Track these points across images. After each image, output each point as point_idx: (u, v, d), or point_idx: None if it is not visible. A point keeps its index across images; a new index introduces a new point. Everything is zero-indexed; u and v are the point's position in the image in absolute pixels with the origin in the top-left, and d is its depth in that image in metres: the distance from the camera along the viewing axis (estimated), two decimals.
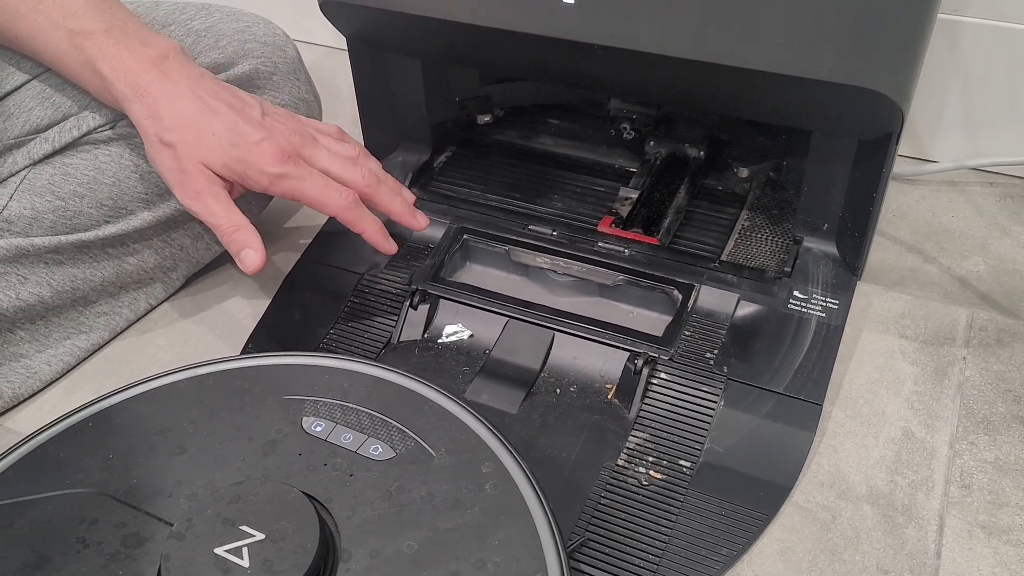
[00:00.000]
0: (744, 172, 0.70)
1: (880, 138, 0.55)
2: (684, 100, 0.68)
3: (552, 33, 0.55)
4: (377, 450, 0.45)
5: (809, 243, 0.63)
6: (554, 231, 0.66)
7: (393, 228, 0.68)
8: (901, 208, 0.72)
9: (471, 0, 0.56)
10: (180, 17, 0.64)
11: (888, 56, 0.48)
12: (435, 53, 0.68)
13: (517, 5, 0.54)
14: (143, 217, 0.62)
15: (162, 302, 0.67)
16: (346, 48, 0.67)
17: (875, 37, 0.47)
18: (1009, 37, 0.67)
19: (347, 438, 0.46)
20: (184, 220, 0.64)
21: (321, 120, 0.71)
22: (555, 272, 0.64)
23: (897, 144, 0.54)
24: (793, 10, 0.48)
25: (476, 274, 0.67)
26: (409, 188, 0.72)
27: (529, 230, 0.66)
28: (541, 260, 0.65)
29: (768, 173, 0.70)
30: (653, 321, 0.62)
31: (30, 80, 0.60)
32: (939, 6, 0.48)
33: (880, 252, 0.68)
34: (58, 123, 0.60)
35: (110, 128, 0.60)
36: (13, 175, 0.59)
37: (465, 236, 0.67)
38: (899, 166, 0.75)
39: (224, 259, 0.69)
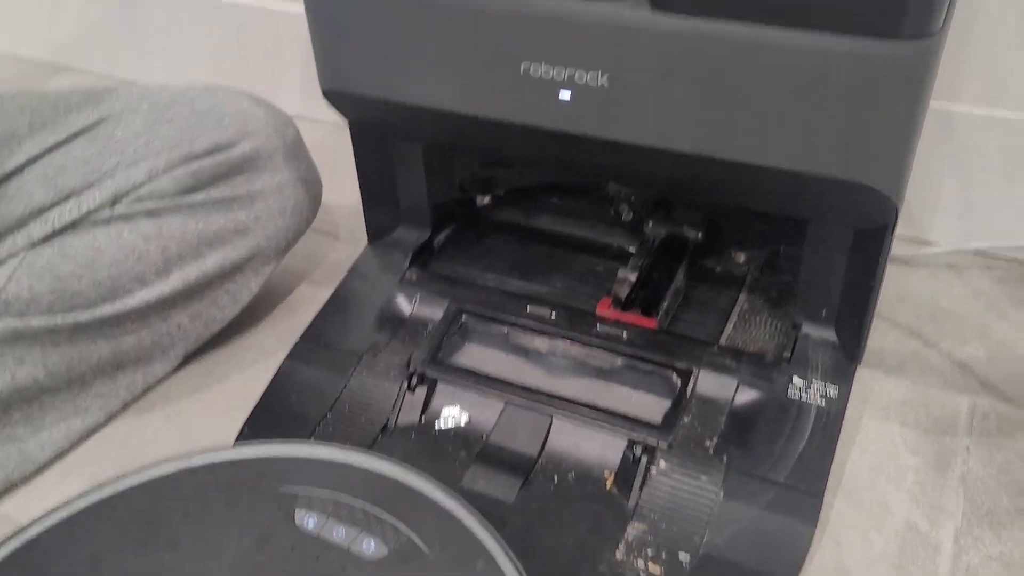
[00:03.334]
0: (741, 258, 0.70)
1: (876, 228, 0.55)
2: (680, 189, 0.69)
3: (549, 126, 0.56)
4: (370, 546, 0.45)
5: (808, 328, 0.63)
6: (553, 313, 0.66)
7: (391, 310, 0.68)
8: (901, 290, 0.72)
9: (471, 93, 0.57)
10: (184, 98, 0.65)
11: (880, 152, 0.49)
12: (436, 139, 0.69)
13: (515, 99, 0.55)
14: (141, 296, 0.62)
15: (159, 381, 0.66)
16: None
17: (867, 133, 0.48)
18: (1003, 126, 0.68)
19: (340, 533, 0.45)
20: (182, 299, 0.64)
21: (321, 199, 0.72)
22: (554, 355, 0.64)
23: (893, 235, 0.55)
24: (786, 106, 0.49)
25: (475, 355, 0.67)
26: (409, 268, 0.72)
27: (528, 311, 0.66)
28: (540, 343, 0.65)
29: (766, 258, 0.71)
30: (652, 406, 0.61)
31: (31, 162, 0.61)
32: (929, 99, 0.49)
33: (880, 336, 0.68)
34: (59, 204, 0.61)
35: (110, 207, 0.61)
36: (12, 256, 0.60)
37: (464, 317, 0.67)
38: (899, 248, 0.76)
39: (222, 337, 0.69)
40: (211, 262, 0.63)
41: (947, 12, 0.46)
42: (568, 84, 0.54)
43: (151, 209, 0.60)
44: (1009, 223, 0.73)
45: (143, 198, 0.60)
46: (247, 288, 0.66)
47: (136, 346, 0.64)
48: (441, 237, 0.77)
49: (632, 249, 0.73)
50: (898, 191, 0.51)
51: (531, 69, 0.54)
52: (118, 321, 0.62)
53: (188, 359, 0.68)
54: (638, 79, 0.52)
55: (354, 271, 0.73)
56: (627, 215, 0.75)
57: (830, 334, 0.62)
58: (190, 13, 1.00)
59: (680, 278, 0.69)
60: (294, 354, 0.67)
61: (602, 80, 0.53)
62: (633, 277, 0.68)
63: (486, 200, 0.78)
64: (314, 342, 0.67)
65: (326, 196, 0.74)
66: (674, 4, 0.48)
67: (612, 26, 0.50)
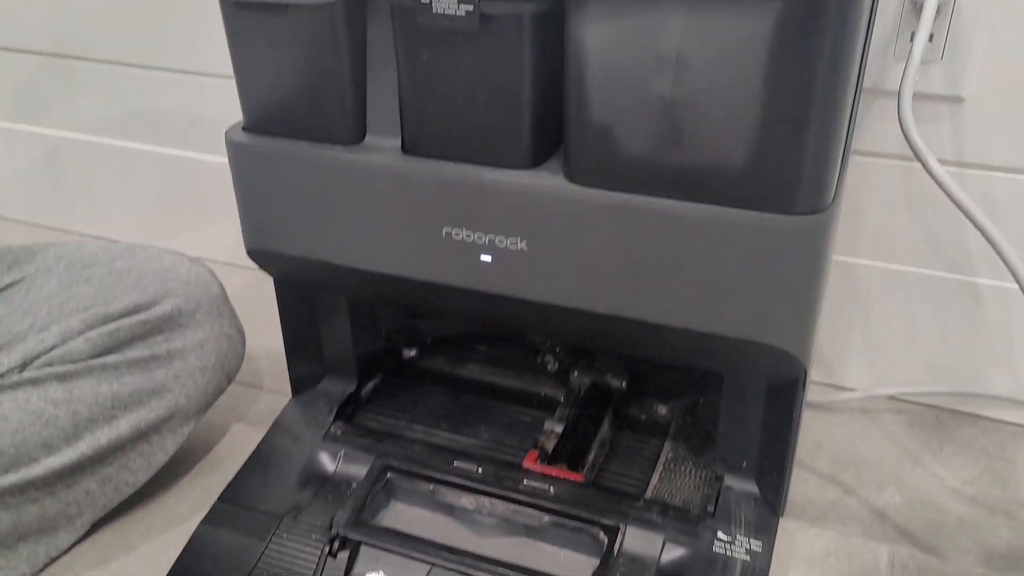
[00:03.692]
0: (663, 410, 0.71)
1: (788, 383, 0.57)
2: (598, 344, 0.71)
3: (471, 287, 0.57)
4: None
5: (730, 481, 0.63)
6: (479, 468, 0.65)
7: (314, 467, 0.67)
8: (819, 436, 0.74)
9: (394, 254, 0.58)
10: (104, 258, 0.65)
11: (785, 314, 0.51)
12: (361, 295, 0.70)
13: (438, 261, 0.57)
14: (47, 464, 0.59)
15: (64, 552, 0.63)
16: None
17: (772, 298, 0.51)
18: (898, 277, 0.73)
19: None
20: (91, 464, 0.62)
21: (244, 353, 0.71)
22: (481, 512, 0.63)
23: (805, 390, 0.56)
24: (695, 272, 0.51)
25: (400, 515, 0.65)
26: (333, 422, 0.71)
27: (455, 467, 0.66)
28: (466, 500, 0.64)
29: (688, 407, 0.72)
30: (580, 564, 0.60)
31: None
32: (828, 265, 0.52)
33: (801, 484, 0.69)
34: None
35: (18, 372, 0.59)
36: None
37: (389, 474, 0.66)
38: (814, 394, 0.78)
39: (133, 500, 0.66)
40: (125, 425, 0.61)
41: (837, 188, 0.50)
42: (489, 248, 0.55)
43: (62, 373, 0.59)
44: (916, 369, 0.76)
45: (54, 362, 0.59)
46: (163, 450, 0.64)
47: (39, 516, 0.60)
48: (368, 387, 0.76)
49: (559, 397, 0.73)
50: (804, 350, 0.53)
51: (453, 233, 0.56)
52: (21, 490, 0.59)
53: (96, 526, 0.65)
54: (555, 245, 0.54)
55: (277, 426, 0.72)
56: (552, 365, 0.76)
57: (752, 487, 0.63)
58: (117, 161, 1.00)
59: (606, 428, 0.70)
60: (210, 517, 0.64)
61: (521, 245, 0.54)
62: (559, 429, 0.69)
63: (412, 353, 0.78)
64: (232, 503, 0.65)
65: (252, 345, 0.74)
66: (588, 179, 0.51)
67: (530, 196, 0.53)
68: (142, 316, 0.62)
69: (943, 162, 0.66)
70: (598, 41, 0.47)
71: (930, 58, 0.63)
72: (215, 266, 0.99)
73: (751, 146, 0.46)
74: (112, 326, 0.60)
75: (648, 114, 0.48)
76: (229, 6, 0.54)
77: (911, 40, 0.62)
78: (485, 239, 0.55)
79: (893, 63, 0.65)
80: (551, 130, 0.54)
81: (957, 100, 0.64)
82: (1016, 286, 0.59)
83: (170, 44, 0.90)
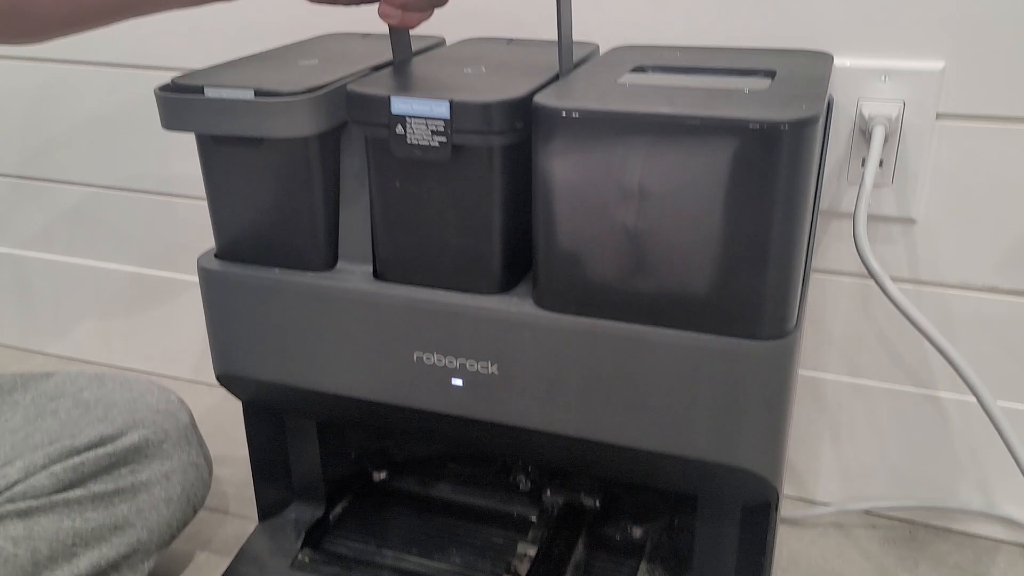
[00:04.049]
0: (637, 531, 0.71)
1: (761, 504, 0.57)
2: (571, 466, 0.71)
3: (442, 410, 0.57)
4: None
5: None
6: None
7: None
8: (794, 554, 0.73)
9: (364, 378, 0.58)
10: (71, 388, 0.64)
11: (754, 437, 0.52)
12: (330, 418, 0.69)
13: (408, 385, 0.57)
14: None
15: None
16: None
17: (739, 421, 0.51)
18: (864, 392, 0.74)
19: None
20: None
21: (211, 482, 0.70)
22: None
23: (777, 511, 0.56)
24: (664, 396, 0.51)
25: None
26: (301, 549, 0.69)
27: None
28: None
29: (663, 526, 0.71)
30: None
31: None
32: (794, 388, 0.53)
33: None
34: None
35: None
36: None
37: None
38: (787, 509, 0.78)
39: None
40: (85, 563, 0.59)
41: (800, 311, 0.51)
42: (460, 372, 0.56)
43: (24, 509, 0.57)
44: (887, 483, 0.76)
45: (16, 498, 0.57)
46: None
47: None
48: (336, 511, 0.74)
49: (531, 518, 0.72)
50: (775, 472, 0.53)
51: (424, 357, 0.56)
52: None
53: None
54: (526, 368, 0.54)
55: (242, 555, 0.70)
56: (525, 484, 0.75)
57: None
58: (86, 280, 1.00)
59: (580, 550, 0.68)
60: None
61: (492, 368, 0.55)
62: (532, 551, 0.67)
63: (382, 475, 0.77)
64: None
65: (218, 468, 0.72)
66: (556, 304, 0.52)
67: (500, 320, 0.53)
68: (108, 448, 0.61)
69: (899, 280, 0.69)
70: (564, 173, 0.49)
71: (881, 182, 0.66)
72: (182, 384, 0.99)
73: (715, 273, 0.48)
74: (77, 459, 0.59)
75: (614, 243, 0.49)
76: (205, 140, 0.56)
77: (862, 165, 0.66)
78: (456, 363, 0.56)
79: (847, 186, 0.67)
80: (520, 256, 0.55)
81: (909, 221, 0.67)
82: (976, 400, 0.60)
83: (140, 166, 0.91)
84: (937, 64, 0.62)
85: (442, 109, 0.49)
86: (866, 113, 0.64)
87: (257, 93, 0.51)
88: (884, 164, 0.66)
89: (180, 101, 0.53)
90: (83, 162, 0.93)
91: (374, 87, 0.52)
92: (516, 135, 0.51)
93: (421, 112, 0.50)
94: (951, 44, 0.62)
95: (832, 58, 0.60)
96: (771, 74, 0.55)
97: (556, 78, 0.55)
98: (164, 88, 0.54)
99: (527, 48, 0.64)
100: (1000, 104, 0.62)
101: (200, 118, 0.53)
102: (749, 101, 0.47)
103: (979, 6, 0.60)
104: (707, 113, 0.45)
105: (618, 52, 0.64)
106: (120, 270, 0.98)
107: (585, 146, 0.48)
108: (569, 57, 0.55)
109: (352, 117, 0.53)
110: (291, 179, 0.55)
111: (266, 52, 0.64)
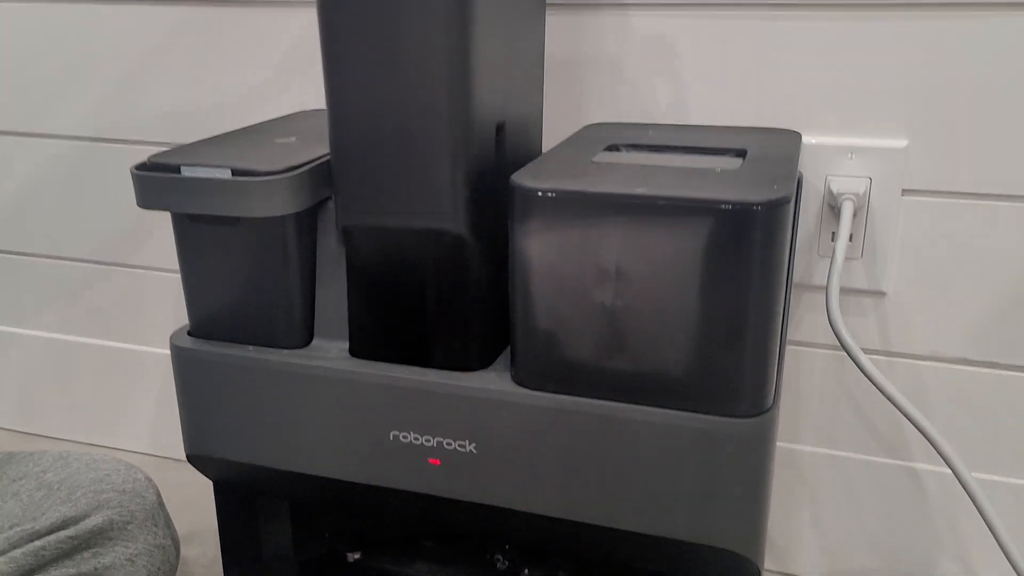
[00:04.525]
0: None
1: None
2: (550, 546, 0.69)
3: (419, 490, 0.56)
4: None
5: None
6: None
7: None
8: None
9: (339, 458, 0.57)
10: (34, 469, 0.62)
11: (733, 516, 0.51)
12: (304, 499, 0.68)
13: (384, 465, 0.56)
14: None
15: None
16: None
17: (719, 500, 0.51)
18: (841, 463, 0.74)
19: None
20: None
21: (178, 564, 0.68)
22: None
23: None
24: (643, 474, 0.51)
25: None
26: None
27: None
28: None
29: None
30: None
31: None
32: (772, 466, 0.53)
33: None
34: None
35: None
36: None
37: None
38: None
39: None
40: None
41: (776, 387, 0.51)
42: (437, 451, 0.55)
43: None
44: (868, 556, 0.76)
45: None
46: None
47: None
48: None
49: None
50: (756, 551, 0.52)
51: (400, 436, 0.55)
52: None
53: None
54: (504, 447, 0.53)
55: None
56: (502, 563, 0.73)
57: None
58: (53, 354, 0.98)
59: None
60: None
61: (470, 447, 0.54)
62: None
63: (356, 556, 0.75)
64: None
65: (186, 549, 0.70)
66: (534, 382, 0.52)
67: (478, 398, 0.53)
68: (70, 531, 0.59)
69: (872, 352, 0.69)
70: (540, 251, 0.49)
71: (851, 255, 0.67)
72: (150, 460, 0.96)
73: (692, 352, 0.48)
74: (38, 544, 0.57)
75: (591, 322, 0.49)
76: (180, 218, 0.56)
77: (832, 240, 0.67)
78: (433, 442, 0.55)
79: (818, 259, 0.69)
80: (497, 332, 0.55)
81: (879, 294, 0.68)
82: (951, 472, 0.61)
83: (109, 238, 0.90)
84: (900, 142, 0.64)
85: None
86: (834, 189, 0.65)
87: (234, 172, 0.52)
88: (853, 238, 0.67)
89: (156, 180, 0.53)
90: (49, 234, 0.93)
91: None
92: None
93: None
94: (913, 123, 0.64)
95: (800, 136, 0.62)
96: (742, 153, 0.56)
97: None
98: (140, 167, 0.54)
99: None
100: (962, 180, 0.64)
101: (176, 197, 0.53)
102: (722, 182, 0.48)
103: (939, 87, 0.62)
104: (681, 194, 0.46)
105: (591, 129, 0.65)
106: (88, 343, 0.96)
107: (561, 225, 0.48)
108: None
109: None
110: (267, 257, 0.55)
111: (243, 129, 0.64)
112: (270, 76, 0.78)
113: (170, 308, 0.89)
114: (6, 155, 0.91)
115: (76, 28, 0.83)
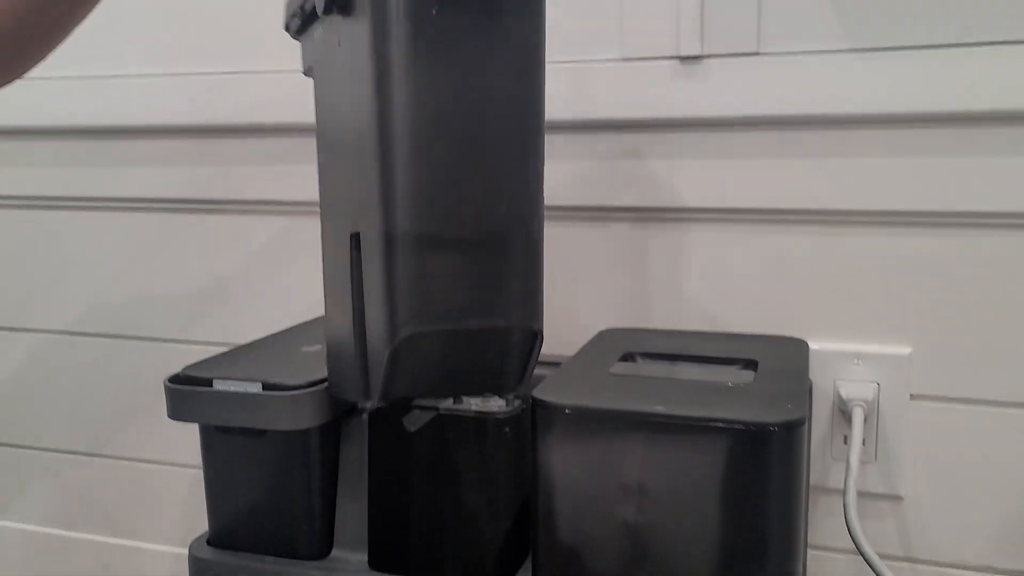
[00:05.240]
0: None
1: None
2: None
3: None
4: None
5: None
6: None
7: None
8: None
9: None
10: None
11: None
12: None
13: None
14: None
15: None
16: None
17: None
18: None
19: None
20: None
21: None
22: None
23: None
24: None
25: None
26: None
27: None
28: None
29: None
30: None
31: None
32: None
33: None
34: None
35: None
36: None
37: None
38: None
39: None
40: None
41: None
42: None
43: None
44: None
45: None
46: None
47: None
48: None
49: None
50: None
51: None
52: None
53: None
54: None
55: None
56: None
57: None
58: (55, 555, 0.96)
59: None
60: None
61: None
62: None
63: None
64: None
65: None
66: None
67: None
68: None
69: (892, 558, 0.69)
70: (563, 467, 0.50)
71: (865, 459, 0.68)
72: None
73: (715, 567, 0.48)
74: None
75: (614, 537, 0.49)
76: (208, 429, 0.57)
77: (845, 443, 0.68)
78: None
79: (832, 462, 0.69)
80: (516, 545, 0.55)
81: (896, 498, 0.68)
82: None
83: (116, 430, 0.91)
84: (904, 349, 0.66)
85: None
86: (844, 394, 0.67)
87: (265, 386, 0.53)
88: (866, 442, 0.68)
89: (189, 393, 0.55)
90: (60, 427, 0.93)
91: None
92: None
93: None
94: (917, 330, 0.66)
95: (807, 346, 0.64)
96: (753, 365, 0.58)
97: None
98: (173, 379, 0.56)
99: None
100: (969, 387, 0.65)
101: (208, 410, 0.54)
102: (738, 399, 0.50)
103: (942, 296, 0.65)
104: (699, 413, 0.47)
105: (606, 336, 0.68)
106: (92, 540, 0.95)
107: (582, 441, 0.49)
108: None
109: None
110: (291, 468, 0.56)
111: (270, 337, 0.67)
112: (288, 281, 0.82)
113: (176, 502, 0.89)
114: (21, 354, 0.93)
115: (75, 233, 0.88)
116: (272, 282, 0.83)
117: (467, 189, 0.44)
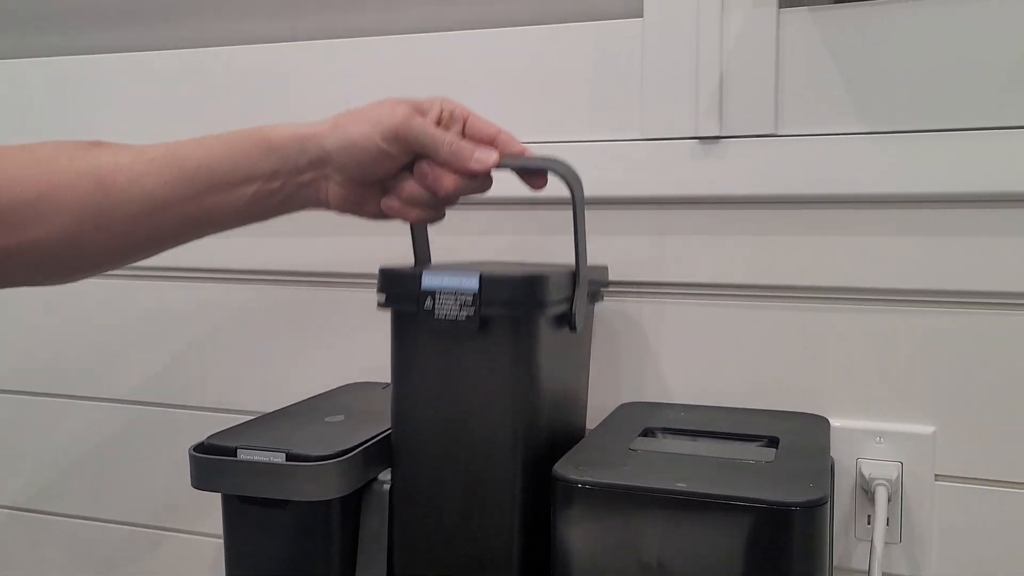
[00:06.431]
0: None
1: None
2: None
3: None
4: None
5: None
6: None
7: None
8: None
9: None
10: None
11: None
12: None
13: None
14: None
15: None
16: None
17: None
18: None
19: None
20: None
21: None
22: None
23: None
24: None
25: None
26: None
27: None
28: None
29: None
30: None
31: None
32: None
33: None
34: None
35: None
36: None
37: None
38: None
39: None
40: None
41: None
42: None
43: None
44: None
45: None
46: None
47: None
48: None
49: None
50: None
51: None
52: None
53: None
54: None
55: None
56: None
57: None
58: None
59: None
60: None
61: None
62: None
63: None
64: None
65: None
66: None
67: None
68: None
69: None
70: (583, 543, 0.50)
71: (890, 540, 0.67)
72: None
73: None
74: None
75: None
76: (230, 499, 0.57)
77: (868, 523, 0.67)
78: None
79: (855, 542, 0.68)
80: None
81: None
82: None
83: (138, 499, 0.91)
84: (928, 428, 0.66)
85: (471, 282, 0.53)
86: (866, 473, 0.66)
87: (288, 457, 0.54)
88: (890, 523, 0.67)
89: (213, 462, 0.55)
90: (84, 494, 0.94)
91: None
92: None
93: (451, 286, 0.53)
94: (940, 409, 0.66)
95: (828, 423, 0.64)
96: (774, 442, 0.58)
97: None
98: (197, 448, 0.57)
99: None
100: (995, 468, 0.65)
101: (231, 479, 0.55)
102: (759, 477, 0.50)
103: (965, 375, 0.65)
104: (720, 491, 0.47)
105: (626, 410, 0.68)
106: None
107: (602, 517, 0.49)
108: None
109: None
110: (311, 539, 0.56)
111: (294, 406, 0.67)
112: (317, 351, 0.83)
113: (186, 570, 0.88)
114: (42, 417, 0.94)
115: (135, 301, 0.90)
116: (296, 351, 0.84)
117: None
